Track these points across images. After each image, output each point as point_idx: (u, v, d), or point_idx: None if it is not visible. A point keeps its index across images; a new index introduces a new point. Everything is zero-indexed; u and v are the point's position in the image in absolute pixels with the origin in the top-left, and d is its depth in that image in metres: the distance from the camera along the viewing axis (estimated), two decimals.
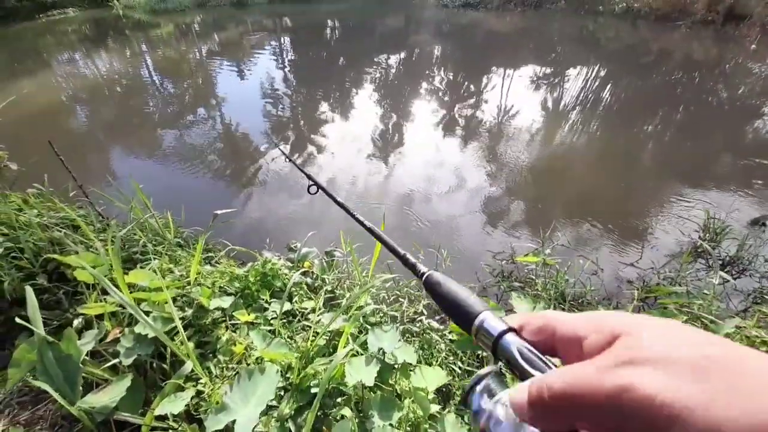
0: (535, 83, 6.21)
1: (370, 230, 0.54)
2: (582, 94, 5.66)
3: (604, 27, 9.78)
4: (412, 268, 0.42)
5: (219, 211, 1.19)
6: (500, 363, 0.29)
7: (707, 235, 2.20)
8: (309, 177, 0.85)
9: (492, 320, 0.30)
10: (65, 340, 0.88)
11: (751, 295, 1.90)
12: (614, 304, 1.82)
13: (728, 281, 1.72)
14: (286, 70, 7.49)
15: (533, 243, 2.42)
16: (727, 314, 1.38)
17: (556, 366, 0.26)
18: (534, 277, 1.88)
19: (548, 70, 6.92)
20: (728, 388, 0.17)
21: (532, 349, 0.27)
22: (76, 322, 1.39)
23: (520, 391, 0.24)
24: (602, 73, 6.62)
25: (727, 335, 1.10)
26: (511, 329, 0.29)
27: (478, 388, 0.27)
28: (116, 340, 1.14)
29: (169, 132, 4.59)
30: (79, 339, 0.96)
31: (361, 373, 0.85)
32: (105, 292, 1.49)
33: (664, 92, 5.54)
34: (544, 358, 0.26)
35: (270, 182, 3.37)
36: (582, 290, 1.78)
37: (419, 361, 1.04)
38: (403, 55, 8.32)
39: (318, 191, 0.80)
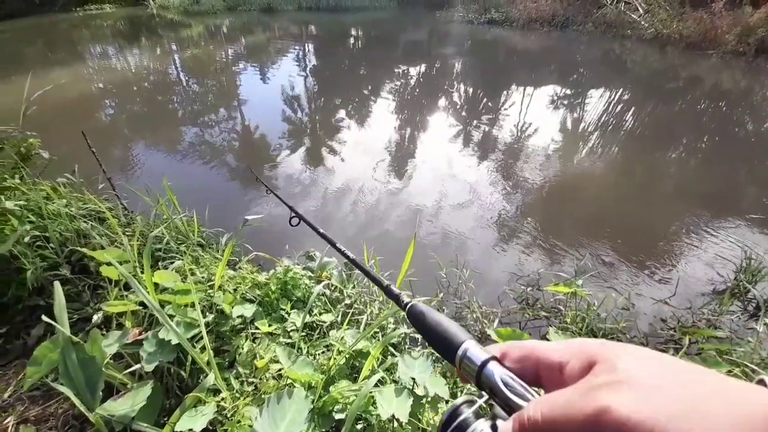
0: (555, 103, 6.13)
1: (353, 261, 0.56)
2: (605, 117, 5.56)
3: (631, 51, 9.65)
4: (395, 299, 0.42)
5: (249, 217, 1.17)
6: (476, 395, 0.29)
7: (745, 276, 2.08)
8: (291, 208, 0.88)
9: (475, 349, 0.30)
10: (90, 341, 0.85)
11: None
12: (649, 345, 1.72)
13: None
14: (308, 75, 7.60)
15: (554, 267, 2.34)
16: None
17: (539, 395, 0.26)
18: (562, 308, 1.80)
19: (570, 91, 6.84)
20: (692, 409, 0.18)
21: (514, 377, 0.27)
22: (95, 317, 1.38)
23: (505, 425, 0.25)
24: (626, 97, 6.52)
25: None
26: (493, 358, 0.29)
27: (456, 419, 0.28)
28: (136, 342, 1.11)
29: (191, 130, 4.67)
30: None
31: (392, 406, 0.80)
32: (127, 288, 1.48)
33: (691, 119, 5.41)
34: (526, 386, 0.26)
35: (285, 186, 3.38)
36: (613, 326, 1.69)
37: (452, 396, 0.98)
38: (423, 68, 8.35)
39: (299, 222, 0.82)
